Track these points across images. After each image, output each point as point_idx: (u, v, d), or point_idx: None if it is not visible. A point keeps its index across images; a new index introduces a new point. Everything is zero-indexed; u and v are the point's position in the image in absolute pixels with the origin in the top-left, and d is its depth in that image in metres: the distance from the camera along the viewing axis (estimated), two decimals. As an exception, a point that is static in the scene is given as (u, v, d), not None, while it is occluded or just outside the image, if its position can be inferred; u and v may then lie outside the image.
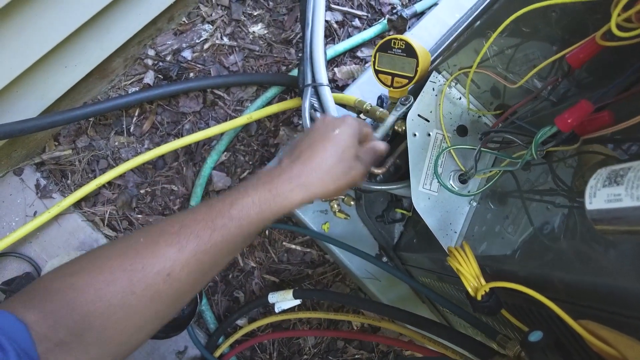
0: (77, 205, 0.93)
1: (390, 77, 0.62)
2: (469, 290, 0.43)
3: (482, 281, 0.42)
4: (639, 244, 0.31)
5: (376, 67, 0.63)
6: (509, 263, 0.47)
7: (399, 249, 0.80)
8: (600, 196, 0.31)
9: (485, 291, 0.42)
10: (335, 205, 0.86)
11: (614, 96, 0.37)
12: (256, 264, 0.96)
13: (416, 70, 0.60)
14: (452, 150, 0.59)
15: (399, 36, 0.60)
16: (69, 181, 0.93)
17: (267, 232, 0.96)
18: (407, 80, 0.61)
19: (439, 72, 0.62)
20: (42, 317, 0.33)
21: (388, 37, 0.60)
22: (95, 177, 0.94)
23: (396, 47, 0.60)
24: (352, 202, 0.86)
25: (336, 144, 0.47)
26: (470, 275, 0.43)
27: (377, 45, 0.62)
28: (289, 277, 0.96)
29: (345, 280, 0.96)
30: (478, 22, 0.52)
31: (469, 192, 0.59)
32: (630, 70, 0.35)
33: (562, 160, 0.47)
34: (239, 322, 0.94)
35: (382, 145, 0.55)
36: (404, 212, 0.79)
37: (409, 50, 0.59)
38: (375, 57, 0.62)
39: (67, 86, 0.81)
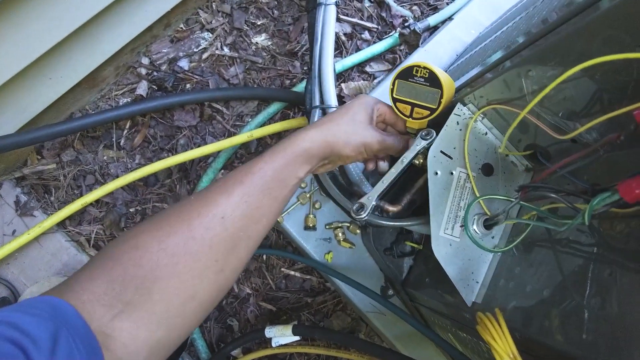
0: (61, 224, 0.86)
1: (409, 107, 0.57)
2: (505, 371, 0.37)
3: (521, 362, 0.37)
4: None
5: (394, 96, 0.57)
6: (543, 334, 0.42)
7: (408, 285, 0.74)
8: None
9: (524, 374, 0.36)
10: (340, 234, 0.81)
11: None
12: (252, 291, 0.90)
13: (440, 102, 0.54)
14: (481, 202, 0.53)
15: (422, 63, 0.54)
16: (52, 198, 0.87)
17: (264, 257, 0.90)
18: (428, 112, 0.55)
19: (464, 104, 0.56)
20: (109, 283, 0.35)
21: (410, 64, 0.55)
22: (81, 193, 0.88)
23: (419, 75, 0.55)
24: (357, 231, 0.81)
25: (348, 109, 0.55)
26: (505, 353, 0.37)
27: (397, 72, 0.56)
28: (287, 305, 0.90)
29: (347, 309, 0.91)
30: (520, 55, 0.47)
31: (493, 240, 0.53)
32: None
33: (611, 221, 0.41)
34: (233, 352, 0.89)
35: (388, 114, 0.59)
36: (415, 245, 0.74)
37: (433, 80, 0.54)
38: (394, 85, 0.56)
39: (51, 99, 0.74)
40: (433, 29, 0.95)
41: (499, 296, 0.51)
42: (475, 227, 0.54)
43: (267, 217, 0.45)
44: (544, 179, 0.43)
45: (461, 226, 0.54)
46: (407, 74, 0.55)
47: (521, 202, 0.43)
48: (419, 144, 0.55)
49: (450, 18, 0.95)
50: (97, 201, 0.87)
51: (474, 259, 0.54)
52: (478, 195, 0.53)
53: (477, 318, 0.42)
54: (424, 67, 0.54)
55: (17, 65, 0.60)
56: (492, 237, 0.55)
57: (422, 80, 0.55)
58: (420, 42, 0.92)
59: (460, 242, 0.54)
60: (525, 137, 0.55)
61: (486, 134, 0.56)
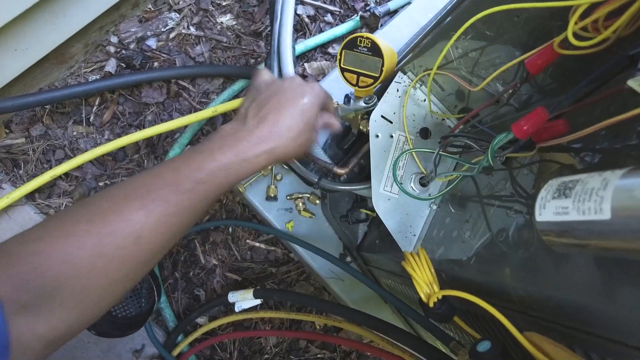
0: (30, 197, 0.88)
1: (355, 76, 0.61)
2: (422, 296, 0.42)
3: (435, 288, 0.41)
4: (588, 258, 0.31)
5: (342, 65, 0.61)
6: (465, 269, 0.47)
7: (363, 249, 0.79)
8: (549, 208, 0.30)
9: (437, 298, 0.41)
10: (300, 204, 0.85)
11: (570, 105, 0.37)
12: (218, 262, 0.93)
13: (381, 70, 0.58)
14: (413, 153, 0.58)
15: (365, 34, 0.58)
16: (21, 171, 0.89)
17: (230, 229, 0.93)
18: (372, 80, 0.60)
19: (405, 73, 0.61)
20: (5, 280, 0.32)
21: (354, 35, 0.59)
22: (50, 167, 0.90)
23: (362, 45, 0.59)
24: (317, 201, 0.85)
25: (304, 112, 0.48)
26: (424, 281, 0.42)
27: (343, 43, 0.60)
28: (252, 275, 0.94)
29: (310, 279, 0.95)
30: (444, 23, 0.51)
31: (429, 195, 0.58)
32: (584, 81, 0.35)
33: (522, 167, 0.46)
34: (199, 320, 0.92)
35: (337, 126, 0.57)
36: (368, 212, 0.78)
37: (375, 50, 0.58)
38: (341, 55, 0.61)
39: (18, 71, 0.76)
40: (393, 13, 1.00)
41: (432, 246, 0.56)
42: (412, 184, 0.58)
43: (187, 229, 0.42)
44: (461, 129, 0.48)
45: (392, 174, 0.59)
46: (352, 45, 0.60)
47: (441, 152, 0.48)
48: (359, 104, 0.59)
49: (409, 2, 1.00)
50: (67, 175, 0.90)
51: (412, 214, 0.59)
52: (414, 153, 0.58)
53: (404, 256, 0.46)
54: (367, 38, 0.58)
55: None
56: (429, 195, 0.60)
57: (366, 50, 0.59)
58: (380, 24, 0.96)
59: (399, 198, 0.59)
60: (460, 104, 0.60)
61: (424, 100, 0.61)
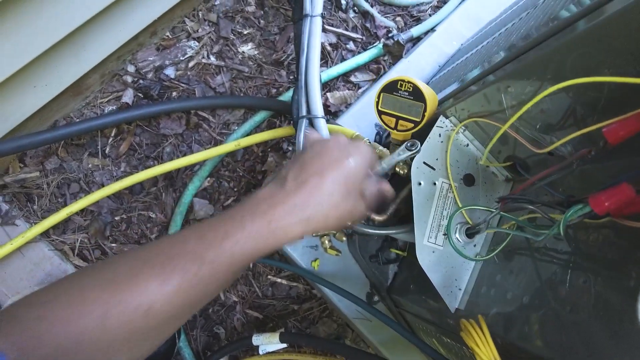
0: (44, 233, 0.85)
1: (394, 120, 0.58)
2: (487, 375, 0.39)
3: (503, 368, 0.38)
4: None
5: (380, 108, 0.59)
6: (523, 338, 0.44)
7: (393, 291, 0.76)
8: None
9: (505, 379, 0.38)
10: (327, 242, 0.82)
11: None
12: (238, 298, 0.90)
13: (423, 115, 0.56)
14: (458, 202, 0.55)
15: (406, 78, 0.56)
16: (35, 206, 0.85)
17: (251, 265, 0.90)
18: (412, 125, 0.57)
19: (446, 117, 0.58)
20: (10, 346, 0.31)
21: (394, 78, 0.56)
22: (65, 201, 0.87)
23: (403, 89, 0.56)
24: (343, 238, 0.82)
25: (348, 176, 0.42)
26: (488, 358, 0.39)
27: (382, 86, 0.58)
28: (274, 312, 0.90)
29: (333, 316, 0.92)
30: (496, 72, 0.49)
31: (475, 248, 0.55)
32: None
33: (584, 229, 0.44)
34: (219, 360, 0.89)
35: (390, 192, 0.51)
36: (399, 252, 0.75)
37: (417, 94, 0.56)
38: (379, 98, 0.58)
39: (36, 107, 0.74)
40: (416, 40, 0.98)
41: (481, 303, 0.53)
42: (457, 235, 0.55)
43: (205, 302, 0.39)
44: (523, 191, 0.45)
45: (444, 235, 0.56)
46: (392, 88, 0.57)
47: (501, 212, 0.45)
48: (401, 154, 0.56)
49: (432, 29, 0.98)
50: (82, 209, 0.87)
51: (456, 267, 0.56)
52: (460, 204, 0.55)
53: (461, 325, 0.43)
54: (408, 82, 0.56)
55: (4, 71, 0.59)
56: (474, 246, 0.57)
57: (406, 94, 0.57)
58: (404, 52, 0.94)
59: (444, 251, 0.56)
60: (504, 149, 0.57)
61: (467, 145, 0.58)
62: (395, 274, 0.78)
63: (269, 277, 0.90)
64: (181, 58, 0.91)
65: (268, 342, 0.77)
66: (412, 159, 0.56)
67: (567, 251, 0.46)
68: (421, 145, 0.56)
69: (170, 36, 0.92)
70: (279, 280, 0.90)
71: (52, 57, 0.67)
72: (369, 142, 0.70)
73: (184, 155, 0.87)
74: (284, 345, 0.77)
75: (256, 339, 0.78)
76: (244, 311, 0.90)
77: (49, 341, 0.32)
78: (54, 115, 0.86)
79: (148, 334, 0.35)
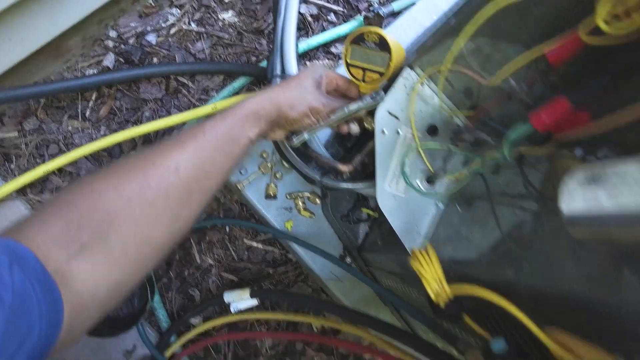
0: (22, 191, 0.85)
1: (362, 72, 0.60)
2: (431, 295, 0.41)
3: (446, 286, 0.40)
4: (609, 252, 0.30)
5: (348, 60, 0.60)
6: (473, 267, 0.46)
7: (363, 250, 0.78)
8: (578, 198, 0.29)
9: (448, 297, 0.39)
10: (300, 203, 0.83)
11: (593, 94, 0.36)
12: (214, 262, 0.91)
13: (389, 65, 0.58)
14: (420, 150, 0.57)
15: (373, 29, 0.57)
16: (12, 165, 0.86)
17: (227, 228, 0.92)
18: (379, 75, 0.59)
19: (412, 69, 0.60)
20: (65, 225, 0.35)
21: (362, 29, 0.58)
22: (44, 161, 0.87)
23: (370, 40, 0.58)
24: (317, 200, 0.84)
25: (298, 76, 0.59)
26: (433, 279, 0.41)
27: (350, 37, 0.59)
28: (249, 276, 0.92)
29: (308, 280, 0.93)
30: (454, 19, 0.51)
31: (436, 193, 0.57)
32: (612, 70, 0.34)
33: (533, 166, 0.45)
34: (193, 321, 0.90)
35: (340, 81, 0.61)
36: (370, 212, 0.77)
37: (383, 44, 0.57)
38: (347, 50, 0.60)
39: (12, 61, 0.74)
40: (397, 14, 0.99)
41: (438, 244, 0.55)
42: (419, 182, 0.57)
43: (218, 172, 0.47)
44: (474, 126, 0.47)
45: (404, 179, 0.58)
46: (359, 39, 0.59)
47: (453, 147, 0.47)
48: (365, 100, 0.58)
49: (413, 4, 0.99)
50: (60, 170, 0.87)
51: (417, 213, 0.58)
52: (421, 150, 0.57)
53: (410, 253, 0.45)
54: (375, 32, 0.57)
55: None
56: (436, 193, 0.58)
57: (373, 45, 0.58)
58: (383, 25, 0.95)
59: (405, 197, 0.58)
60: (470, 101, 0.59)
61: (432, 97, 0.60)
62: (366, 234, 0.79)
63: (245, 240, 0.92)
64: (163, 25, 0.92)
65: (239, 299, 0.78)
66: (374, 105, 0.58)
67: (520, 192, 0.47)
68: (386, 94, 0.58)
69: (153, 4, 0.93)
70: (254, 244, 0.92)
71: (26, 9, 0.68)
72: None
73: (163, 119, 0.88)
74: (255, 302, 0.78)
75: (227, 296, 0.79)
76: (220, 274, 0.91)
77: (103, 206, 0.37)
78: (33, 77, 0.86)
79: (181, 193, 0.42)
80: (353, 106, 0.58)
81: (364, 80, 0.60)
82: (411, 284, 0.63)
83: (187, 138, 0.45)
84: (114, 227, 0.37)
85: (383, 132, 0.58)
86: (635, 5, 0.28)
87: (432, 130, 0.60)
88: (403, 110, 0.59)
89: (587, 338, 0.31)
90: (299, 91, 0.56)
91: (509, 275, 0.41)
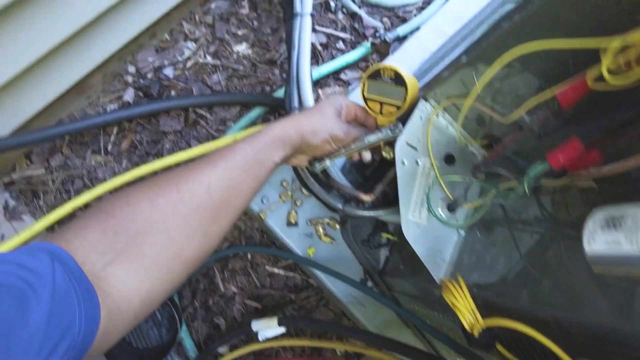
0: (50, 227, 0.88)
1: (379, 105, 0.62)
2: (465, 325, 0.42)
3: (479, 317, 0.42)
4: (630, 285, 0.32)
5: (365, 94, 0.62)
6: (498, 294, 0.47)
7: (385, 274, 0.79)
8: (599, 240, 0.31)
9: (481, 327, 0.41)
10: (321, 229, 0.85)
11: (602, 134, 0.38)
12: (237, 289, 0.93)
13: (405, 99, 0.60)
14: (442, 182, 0.59)
15: (388, 65, 0.60)
16: (41, 202, 0.89)
17: (249, 255, 0.94)
18: (396, 109, 0.61)
19: (426, 100, 0.62)
20: (102, 233, 0.37)
21: (377, 66, 0.61)
22: (69, 197, 0.90)
23: (386, 75, 0.60)
24: (337, 226, 0.85)
25: (319, 105, 0.62)
26: (467, 310, 0.42)
27: (367, 73, 0.62)
28: (272, 302, 0.93)
29: (329, 304, 0.95)
30: (467, 55, 0.53)
31: (457, 222, 0.59)
32: (617, 113, 0.36)
33: (550, 193, 0.47)
34: (220, 349, 0.91)
35: (359, 111, 0.64)
36: (390, 236, 0.79)
37: (399, 79, 0.60)
38: (364, 85, 0.62)
39: (43, 104, 0.78)
40: (402, 39, 1.02)
41: (464, 271, 0.56)
42: (440, 210, 0.59)
43: (246, 192, 0.50)
44: (492, 160, 0.49)
45: (428, 210, 0.60)
46: (376, 75, 0.61)
47: (475, 180, 0.49)
48: (384, 131, 0.61)
49: (417, 28, 1.02)
50: (86, 205, 0.90)
51: (440, 240, 0.60)
52: (440, 179, 0.59)
53: (441, 285, 0.47)
54: (390, 69, 0.60)
55: (11, 70, 0.63)
56: (457, 220, 0.60)
57: (389, 80, 0.61)
58: (390, 50, 0.98)
59: (428, 225, 0.59)
60: (482, 130, 0.61)
61: (447, 127, 0.62)
62: (386, 258, 0.81)
63: (267, 267, 0.94)
64: (179, 58, 0.96)
65: (267, 327, 0.80)
66: (393, 137, 0.60)
67: (536, 218, 0.49)
68: (404, 127, 0.61)
69: (169, 38, 0.97)
70: (276, 270, 0.94)
71: (57, 55, 0.72)
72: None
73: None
74: (283, 329, 0.80)
75: (255, 325, 0.80)
76: (244, 302, 0.93)
77: (139, 216, 0.39)
78: (58, 114, 0.90)
79: (211, 210, 0.44)
80: (372, 137, 0.61)
81: (381, 113, 0.63)
82: (435, 308, 0.65)
83: (217, 158, 0.47)
84: (148, 238, 0.39)
85: (403, 163, 0.60)
86: (636, 57, 0.30)
87: (449, 159, 0.62)
88: (420, 141, 0.61)
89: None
90: (321, 119, 0.59)
91: (534, 305, 0.43)
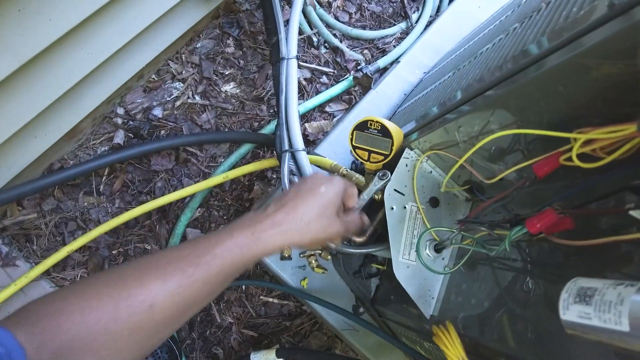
0: (46, 272, 0.89)
1: (367, 153, 0.67)
2: (456, 370, 0.47)
3: (467, 363, 0.47)
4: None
5: (353, 144, 0.67)
6: (485, 335, 0.53)
7: (376, 302, 0.84)
8: (572, 311, 0.36)
9: (470, 372, 0.46)
10: (313, 261, 0.89)
11: (575, 208, 0.43)
12: (234, 319, 0.96)
13: (391, 149, 0.65)
14: (426, 222, 0.64)
15: (374, 118, 0.64)
16: (34, 246, 0.90)
17: (243, 287, 0.97)
18: (382, 157, 0.66)
19: (411, 149, 0.67)
20: (29, 339, 0.34)
21: (365, 119, 0.65)
22: (63, 239, 0.92)
23: (372, 127, 0.65)
24: (329, 257, 0.90)
25: (320, 200, 0.51)
26: (456, 357, 0.47)
27: (355, 125, 0.66)
28: (267, 330, 0.97)
29: (323, 329, 0.99)
30: (452, 113, 0.58)
31: (443, 261, 0.64)
32: (584, 184, 0.42)
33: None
34: (219, 379, 0.94)
35: (367, 222, 0.60)
36: (379, 266, 0.83)
37: (385, 131, 0.64)
38: (352, 135, 0.67)
39: (36, 155, 0.79)
40: (383, 70, 1.07)
41: (452, 308, 0.61)
42: (427, 251, 0.64)
43: (200, 305, 0.44)
44: (480, 213, 0.54)
45: (416, 251, 0.65)
46: (363, 127, 0.66)
47: (461, 232, 0.54)
48: (376, 184, 0.65)
49: (397, 60, 1.08)
50: (80, 247, 0.92)
51: (429, 279, 0.65)
52: (428, 225, 0.64)
53: (433, 330, 0.51)
54: (377, 121, 0.65)
55: (10, 129, 0.65)
56: (443, 259, 0.65)
57: (376, 131, 0.65)
58: (372, 83, 1.03)
59: (417, 265, 0.64)
60: (463, 173, 0.66)
61: (431, 172, 0.67)
62: (377, 286, 0.86)
63: (261, 297, 0.97)
64: (167, 98, 0.98)
65: (265, 359, 0.84)
66: (384, 187, 0.65)
67: (518, 259, 0.55)
68: (391, 174, 0.65)
69: (156, 78, 0.99)
70: (270, 299, 0.97)
71: (52, 110, 0.73)
72: (347, 171, 0.78)
73: (175, 189, 0.93)
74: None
75: (254, 357, 0.84)
76: (240, 331, 0.96)
77: (66, 330, 0.36)
78: (49, 159, 0.91)
79: (150, 330, 0.40)
80: (367, 195, 0.65)
81: (369, 161, 0.67)
82: (424, 338, 0.70)
83: (173, 269, 0.41)
84: (73, 354, 0.36)
85: (392, 208, 0.64)
86: (600, 148, 0.35)
87: (434, 202, 0.67)
88: (407, 187, 0.66)
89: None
90: (320, 224, 0.51)
91: (517, 344, 0.48)
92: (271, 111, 0.99)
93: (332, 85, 1.05)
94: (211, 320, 0.96)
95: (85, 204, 0.94)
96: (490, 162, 0.58)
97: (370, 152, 0.67)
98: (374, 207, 0.75)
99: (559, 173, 0.48)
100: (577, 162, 0.38)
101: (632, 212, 0.32)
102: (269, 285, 0.91)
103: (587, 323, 0.34)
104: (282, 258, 0.88)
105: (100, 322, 0.37)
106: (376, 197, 0.71)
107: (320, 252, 0.90)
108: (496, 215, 0.59)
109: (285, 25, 0.87)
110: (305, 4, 1.05)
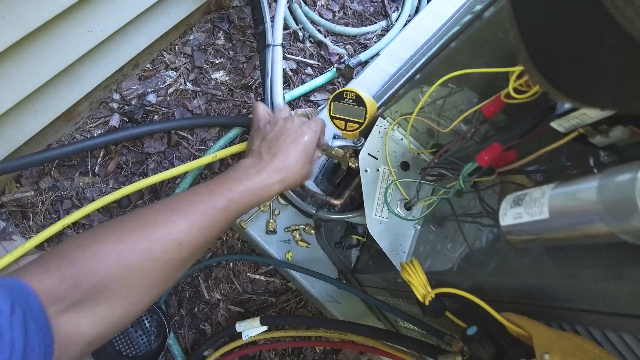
0: (40, 246, 0.93)
1: (343, 122, 0.73)
2: (419, 297, 0.52)
3: (429, 289, 0.51)
4: (539, 251, 0.43)
5: (331, 114, 0.73)
6: (449, 275, 0.58)
7: (356, 271, 0.89)
8: (508, 215, 0.41)
9: (431, 297, 0.51)
10: (297, 235, 0.94)
11: (517, 139, 0.49)
12: (221, 296, 1.00)
13: (365, 117, 0.71)
14: (397, 183, 0.69)
15: (349, 88, 0.71)
16: (30, 222, 0.94)
17: (231, 264, 1.01)
18: (357, 125, 0.72)
19: (384, 118, 0.73)
20: (61, 280, 0.36)
21: (340, 90, 0.71)
22: (59, 217, 0.96)
23: (347, 97, 0.71)
24: (312, 231, 0.95)
25: (306, 149, 0.62)
26: (419, 284, 0.52)
27: (332, 96, 0.72)
28: (254, 306, 1.01)
29: (308, 306, 1.03)
30: (414, 78, 0.64)
31: (413, 217, 0.69)
32: (524, 123, 0.48)
33: (487, 188, 0.59)
34: (206, 353, 0.97)
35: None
36: (359, 238, 0.88)
37: (359, 100, 0.71)
38: (330, 106, 0.73)
39: (36, 130, 0.84)
40: (364, 64, 1.14)
41: (420, 260, 0.66)
42: (398, 209, 0.69)
43: (213, 241, 0.53)
44: (436, 163, 0.60)
45: (388, 209, 0.70)
46: (340, 97, 0.72)
47: (422, 180, 0.59)
48: (348, 141, 0.71)
49: (377, 54, 1.15)
50: (75, 223, 0.96)
51: (400, 234, 0.70)
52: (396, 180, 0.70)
53: (400, 266, 0.56)
54: (351, 91, 0.71)
55: (13, 99, 0.70)
56: (413, 217, 0.71)
57: (351, 101, 0.71)
58: (354, 74, 1.10)
59: (389, 222, 0.70)
60: (431, 140, 0.72)
61: (402, 139, 0.73)
62: (357, 257, 0.90)
63: (248, 274, 1.01)
64: (161, 86, 1.04)
65: (250, 327, 0.87)
66: (357, 151, 0.71)
67: (479, 212, 0.60)
68: (365, 140, 0.71)
69: (151, 67, 1.05)
70: (257, 276, 1.01)
71: (52, 85, 0.79)
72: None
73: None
74: (265, 328, 0.87)
75: (239, 326, 0.88)
76: (227, 307, 1.00)
77: (101, 272, 0.38)
78: (47, 140, 0.96)
79: (177, 265, 0.45)
80: (337, 142, 0.71)
81: (346, 129, 0.73)
82: (399, 295, 0.74)
83: (196, 212, 0.47)
84: (108, 291, 0.38)
85: (366, 170, 0.70)
86: (531, 88, 0.42)
87: (404, 166, 0.73)
88: (380, 151, 0.72)
89: (531, 316, 0.43)
90: (308, 165, 0.63)
91: (475, 278, 0.53)
92: (259, 98, 1.06)
93: (316, 76, 1.12)
94: (200, 297, 1.00)
95: (81, 183, 0.98)
96: (450, 119, 0.64)
97: (346, 121, 0.72)
98: (351, 175, 0.80)
99: (508, 117, 0.55)
100: (513, 95, 0.44)
101: (552, 124, 0.38)
102: (256, 258, 0.96)
103: (519, 222, 0.39)
104: (268, 232, 0.93)
105: (135, 261, 0.41)
106: (353, 165, 0.76)
107: (304, 227, 0.95)
108: (456, 167, 0.65)
109: (272, 20, 0.94)
110: (291, 1, 1.13)
